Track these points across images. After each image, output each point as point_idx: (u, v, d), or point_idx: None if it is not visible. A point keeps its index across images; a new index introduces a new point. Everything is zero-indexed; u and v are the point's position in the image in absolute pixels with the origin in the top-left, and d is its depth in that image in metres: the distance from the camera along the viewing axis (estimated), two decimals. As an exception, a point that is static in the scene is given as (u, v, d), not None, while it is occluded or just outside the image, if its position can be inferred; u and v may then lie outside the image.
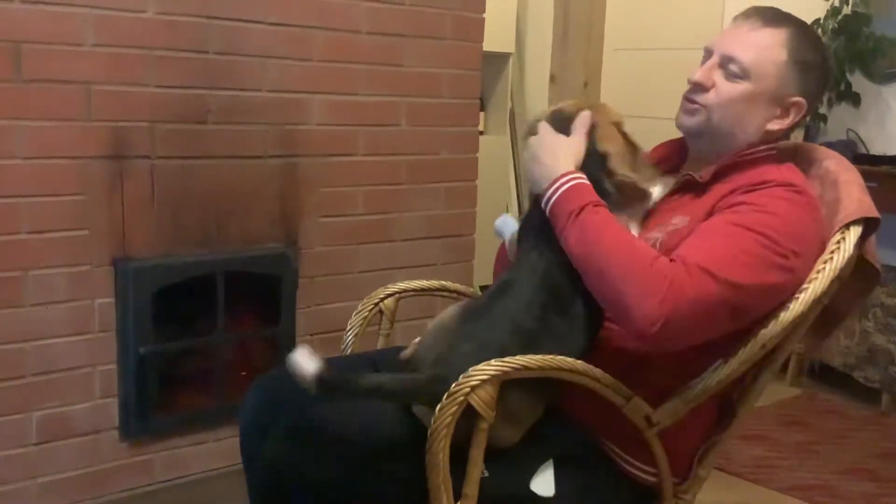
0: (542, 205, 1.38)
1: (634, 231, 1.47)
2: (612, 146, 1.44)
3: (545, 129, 1.47)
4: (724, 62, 1.46)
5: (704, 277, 1.26)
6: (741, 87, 1.45)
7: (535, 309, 1.33)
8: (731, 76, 1.46)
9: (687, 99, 1.50)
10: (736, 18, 1.51)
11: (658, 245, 1.42)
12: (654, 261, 1.27)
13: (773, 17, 1.48)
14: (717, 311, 1.28)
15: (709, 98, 1.47)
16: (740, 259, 1.29)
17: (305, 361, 1.20)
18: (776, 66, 1.45)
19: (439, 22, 2.71)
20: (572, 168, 1.39)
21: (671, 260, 1.29)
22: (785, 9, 1.52)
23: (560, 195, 1.36)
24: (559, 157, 1.41)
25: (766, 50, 1.45)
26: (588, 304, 1.34)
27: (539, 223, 1.41)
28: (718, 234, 1.33)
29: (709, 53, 1.50)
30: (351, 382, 1.26)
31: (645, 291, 1.23)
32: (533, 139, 1.47)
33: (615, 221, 1.34)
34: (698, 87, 1.48)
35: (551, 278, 1.35)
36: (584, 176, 1.38)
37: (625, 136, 1.48)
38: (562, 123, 1.46)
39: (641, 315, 1.23)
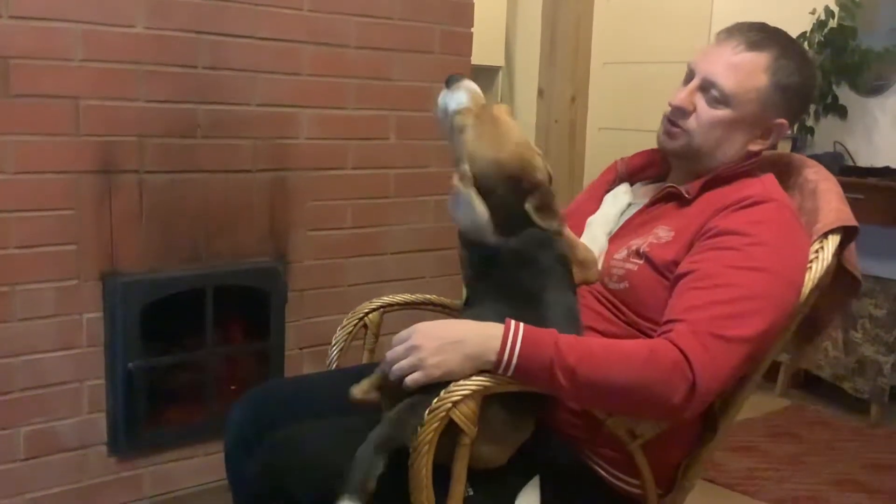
0: (500, 371, 1.23)
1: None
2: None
3: (419, 328, 1.28)
4: (706, 86, 1.44)
5: (718, 345, 1.23)
6: (722, 113, 1.43)
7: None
8: (713, 101, 1.43)
9: (669, 121, 1.49)
10: (719, 35, 1.47)
11: (638, 251, 1.41)
12: (654, 352, 1.22)
13: (757, 39, 1.43)
14: (741, 365, 1.28)
15: (689, 123, 1.46)
16: (749, 307, 1.27)
17: None
18: (758, 93, 1.42)
19: (428, 36, 2.73)
20: (489, 324, 1.25)
21: (673, 322, 1.26)
22: (772, 23, 1.49)
23: (519, 357, 1.21)
24: (463, 327, 1.27)
25: (748, 76, 1.42)
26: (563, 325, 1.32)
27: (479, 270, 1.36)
28: (719, 284, 1.28)
29: (691, 73, 1.48)
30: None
31: (668, 391, 1.20)
32: (418, 335, 1.26)
33: (585, 341, 1.26)
34: (679, 111, 1.46)
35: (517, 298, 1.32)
36: (509, 321, 1.23)
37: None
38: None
39: (676, 411, 1.23)
